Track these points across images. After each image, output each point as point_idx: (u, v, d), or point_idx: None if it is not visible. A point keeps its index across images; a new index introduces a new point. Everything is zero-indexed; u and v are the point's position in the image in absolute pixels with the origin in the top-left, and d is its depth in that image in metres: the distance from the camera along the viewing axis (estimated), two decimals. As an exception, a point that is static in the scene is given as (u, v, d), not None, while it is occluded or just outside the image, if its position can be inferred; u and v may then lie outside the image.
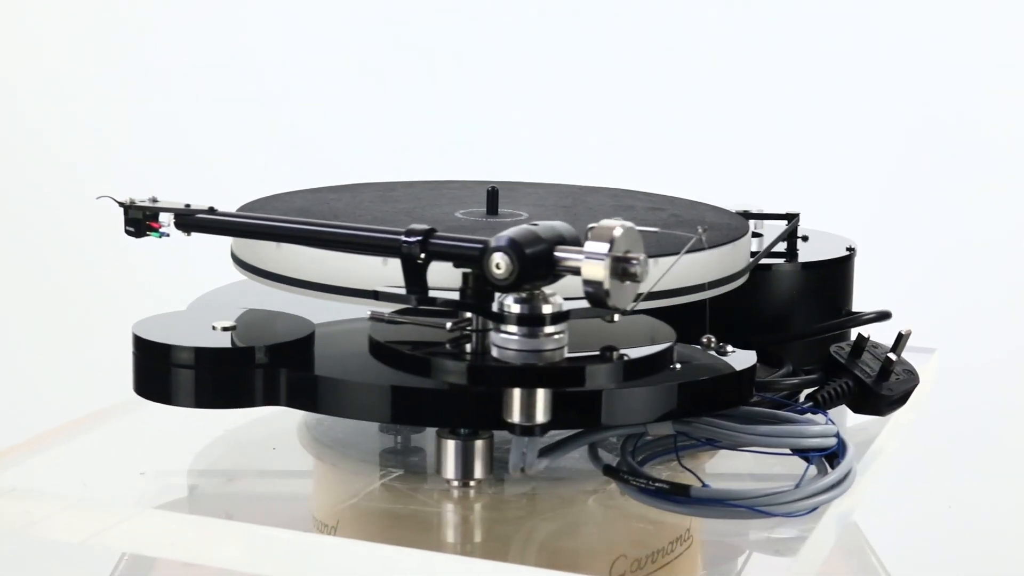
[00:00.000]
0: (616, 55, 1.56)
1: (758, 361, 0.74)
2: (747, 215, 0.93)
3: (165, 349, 0.70)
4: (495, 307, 0.68)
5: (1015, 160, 1.46)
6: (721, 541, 0.73)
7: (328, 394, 0.69)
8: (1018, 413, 1.39)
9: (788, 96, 1.52)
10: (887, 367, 0.83)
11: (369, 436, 0.82)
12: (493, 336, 0.68)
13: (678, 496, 0.68)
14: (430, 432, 0.73)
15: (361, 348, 0.72)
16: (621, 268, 0.65)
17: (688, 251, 0.75)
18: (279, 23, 1.63)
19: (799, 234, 0.94)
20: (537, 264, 0.65)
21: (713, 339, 0.74)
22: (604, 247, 0.64)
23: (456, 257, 0.68)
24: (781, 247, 0.92)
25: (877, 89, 1.49)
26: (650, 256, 0.66)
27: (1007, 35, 1.47)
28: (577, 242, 0.66)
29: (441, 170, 1.11)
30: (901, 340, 0.83)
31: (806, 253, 0.91)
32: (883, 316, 0.89)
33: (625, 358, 0.69)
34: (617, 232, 0.64)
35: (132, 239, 0.78)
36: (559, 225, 0.67)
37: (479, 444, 0.70)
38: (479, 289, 0.68)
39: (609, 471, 0.71)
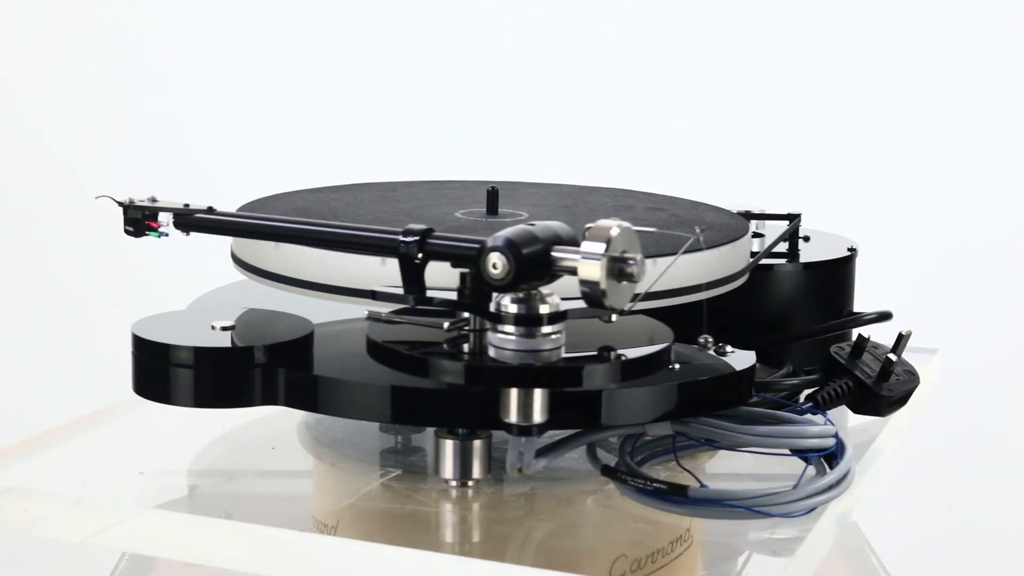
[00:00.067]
0: (616, 55, 1.56)
1: (759, 362, 0.74)
2: (749, 215, 0.93)
3: (164, 349, 0.70)
4: (492, 307, 0.68)
5: (1015, 160, 1.46)
6: (720, 541, 0.73)
7: (325, 394, 0.69)
8: (1018, 413, 1.39)
9: (788, 96, 1.52)
10: (887, 368, 0.82)
11: (369, 436, 0.82)
12: (490, 336, 0.68)
13: (676, 496, 0.68)
14: (430, 432, 0.73)
15: (360, 348, 0.72)
16: (618, 268, 0.65)
17: (686, 251, 0.74)
18: (279, 23, 1.63)
19: (801, 234, 0.94)
20: (534, 264, 0.65)
21: (710, 339, 0.74)
22: (600, 247, 0.64)
23: (453, 257, 0.68)
24: (783, 247, 0.92)
25: (877, 89, 1.49)
26: (648, 256, 0.66)
27: (1007, 35, 1.47)
28: (574, 242, 0.66)
29: (441, 170, 1.11)
30: (901, 341, 0.83)
31: (807, 253, 0.91)
32: (884, 316, 0.89)
33: (623, 358, 0.69)
34: (614, 232, 0.64)
35: (132, 239, 0.78)
36: (556, 225, 0.67)
37: (477, 444, 0.70)
38: (477, 289, 0.68)
39: (607, 471, 0.71)
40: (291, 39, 1.63)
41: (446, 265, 0.68)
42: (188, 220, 0.76)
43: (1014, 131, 1.46)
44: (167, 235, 0.77)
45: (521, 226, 0.66)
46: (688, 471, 0.72)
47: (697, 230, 0.72)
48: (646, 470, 0.72)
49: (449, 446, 0.70)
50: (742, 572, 0.72)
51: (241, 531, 0.69)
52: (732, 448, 0.71)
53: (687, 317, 0.78)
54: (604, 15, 1.55)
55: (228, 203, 0.80)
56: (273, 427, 0.84)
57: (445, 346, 0.70)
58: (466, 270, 0.68)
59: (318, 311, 0.76)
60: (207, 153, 1.62)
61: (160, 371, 0.70)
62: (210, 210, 0.76)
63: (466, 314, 0.70)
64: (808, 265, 0.89)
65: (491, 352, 0.68)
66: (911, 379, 0.84)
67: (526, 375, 0.66)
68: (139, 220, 0.77)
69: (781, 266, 0.89)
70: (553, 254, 0.66)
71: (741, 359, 0.73)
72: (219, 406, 0.71)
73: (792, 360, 0.85)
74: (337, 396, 0.69)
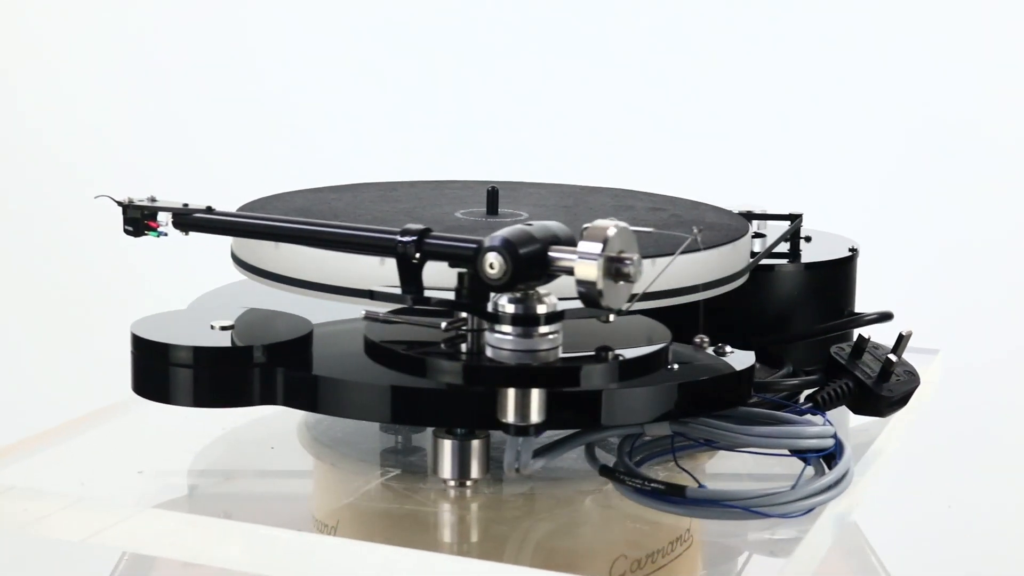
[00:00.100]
0: (616, 55, 1.56)
1: (761, 362, 0.74)
2: (750, 216, 0.93)
3: (163, 348, 0.70)
4: (490, 307, 0.68)
5: (1015, 160, 1.46)
6: (719, 542, 0.73)
7: (323, 393, 0.69)
8: (1018, 413, 1.39)
9: (788, 96, 1.52)
10: (887, 368, 0.82)
11: (369, 436, 0.82)
12: (488, 336, 0.68)
13: (674, 497, 0.68)
14: (430, 431, 0.73)
15: (358, 348, 0.72)
16: (614, 268, 0.65)
17: (684, 252, 0.74)
18: (279, 23, 1.63)
19: (802, 235, 0.94)
20: (531, 264, 0.65)
21: (706, 339, 0.74)
22: (597, 247, 0.64)
23: (450, 257, 0.68)
24: (784, 247, 0.92)
25: (877, 89, 1.49)
26: (646, 256, 0.66)
27: (1007, 35, 1.47)
28: (572, 242, 0.66)
29: (441, 170, 1.11)
30: (902, 341, 0.83)
31: (809, 254, 0.91)
32: (885, 317, 0.89)
33: (620, 358, 0.69)
34: (610, 232, 0.64)
35: (132, 239, 0.78)
36: (554, 225, 0.67)
37: (475, 444, 0.70)
38: (474, 289, 0.68)
39: (605, 471, 0.71)
40: (291, 39, 1.63)
41: (445, 265, 0.68)
42: (187, 220, 0.76)
43: (1014, 131, 1.46)
44: (166, 235, 0.77)
45: (518, 226, 0.66)
46: (686, 471, 0.72)
47: (695, 230, 0.72)
48: (645, 470, 0.72)
49: (447, 446, 0.70)
50: (741, 572, 0.72)
51: (241, 531, 0.69)
52: (730, 448, 0.71)
53: (688, 317, 0.78)
54: (604, 15, 1.55)
55: (228, 203, 0.80)
56: (273, 427, 0.84)
57: (443, 346, 0.70)
58: (464, 270, 0.68)
59: (319, 311, 0.76)
60: (207, 153, 1.62)
61: (159, 371, 0.70)
62: (208, 210, 0.76)
63: (464, 314, 0.70)
64: (809, 265, 0.89)
65: (488, 352, 0.68)
66: (911, 379, 0.84)
67: (523, 375, 0.66)
68: (138, 220, 0.77)
69: (782, 266, 0.89)
70: (550, 254, 0.66)
71: (740, 359, 0.73)
72: (218, 406, 0.71)
73: (793, 360, 0.85)
74: (334, 396, 0.69)
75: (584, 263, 0.64)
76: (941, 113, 1.47)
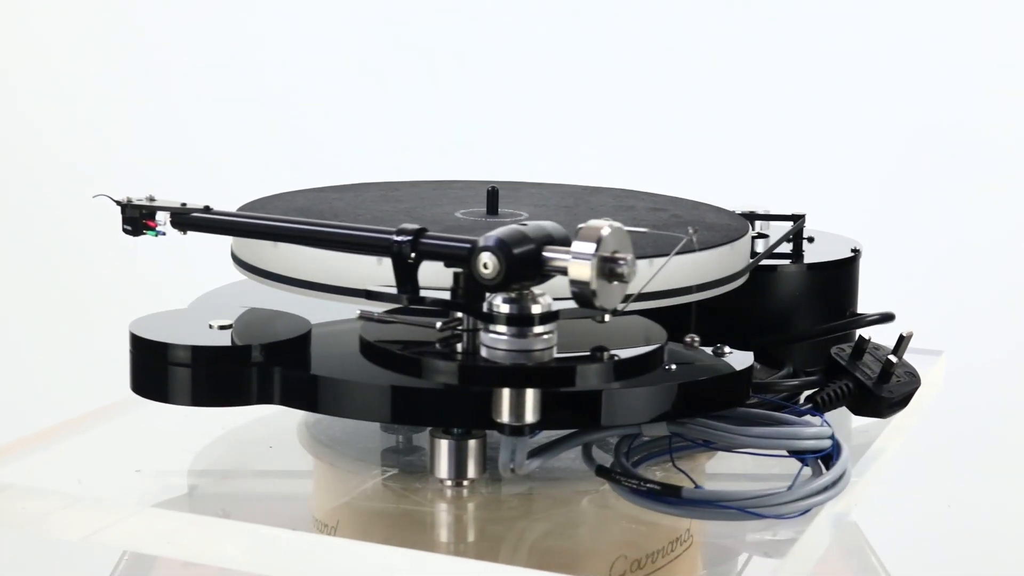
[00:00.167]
0: (616, 55, 1.56)
1: (762, 363, 0.73)
2: (753, 216, 0.93)
3: (161, 347, 0.70)
4: (485, 307, 0.68)
5: (1016, 160, 1.46)
6: (717, 543, 0.73)
7: (318, 393, 0.69)
8: (1019, 413, 1.39)
9: (788, 96, 1.52)
10: (888, 369, 0.82)
11: (369, 435, 0.82)
12: (483, 336, 0.68)
13: (669, 497, 0.68)
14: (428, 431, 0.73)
15: (355, 347, 0.72)
16: (608, 268, 0.65)
17: (679, 252, 0.74)
18: (279, 23, 1.63)
19: (805, 235, 0.94)
20: (525, 264, 0.65)
21: (696, 338, 0.74)
22: (591, 247, 0.64)
23: (445, 257, 0.68)
24: (787, 248, 0.92)
25: (877, 89, 1.49)
26: (644, 257, 0.65)
27: (1007, 36, 1.47)
28: (567, 242, 0.66)
29: (442, 170, 1.11)
30: (902, 342, 0.83)
31: (811, 254, 0.91)
32: (887, 318, 0.89)
33: (616, 358, 0.69)
34: (604, 232, 0.64)
35: (131, 238, 0.78)
36: (548, 225, 0.67)
37: (472, 444, 0.70)
38: (470, 289, 0.68)
39: (602, 471, 0.71)
40: (291, 39, 1.63)
41: (441, 265, 0.68)
42: (184, 219, 0.76)
43: (1014, 131, 1.46)
44: (164, 234, 0.77)
45: (513, 226, 0.66)
46: (683, 472, 0.72)
47: (690, 231, 0.72)
48: (643, 471, 0.72)
49: (444, 446, 0.70)
50: (737, 573, 0.72)
51: (241, 531, 0.69)
52: (728, 449, 0.71)
53: (688, 317, 0.78)
54: (604, 15, 1.55)
55: (228, 203, 0.80)
56: (273, 426, 0.84)
57: (438, 346, 0.70)
58: (459, 270, 0.68)
59: (319, 311, 0.76)
60: (207, 152, 1.62)
61: (158, 370, 0.70)
62: (206, 209, 0.76)
63: (459, 314, 0.70)
64: (811, 266, 0.89)
65: (483, 352, 0.68)
66: (912, 380, 0.84)
67: (518, 375, 0.66)
68: (136, 219, 0.77)
69: (785, 267, 0.89)
70: (544, 254, 0.66)
71: (739, 360, 0.73)
72: (216, 405, 0.71)
73: (795, 361, 0.85)
74: (329, 395, 0.69)
75: (577, 263, 0.64)
76: (941, 113, 1.47)
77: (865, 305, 0.93)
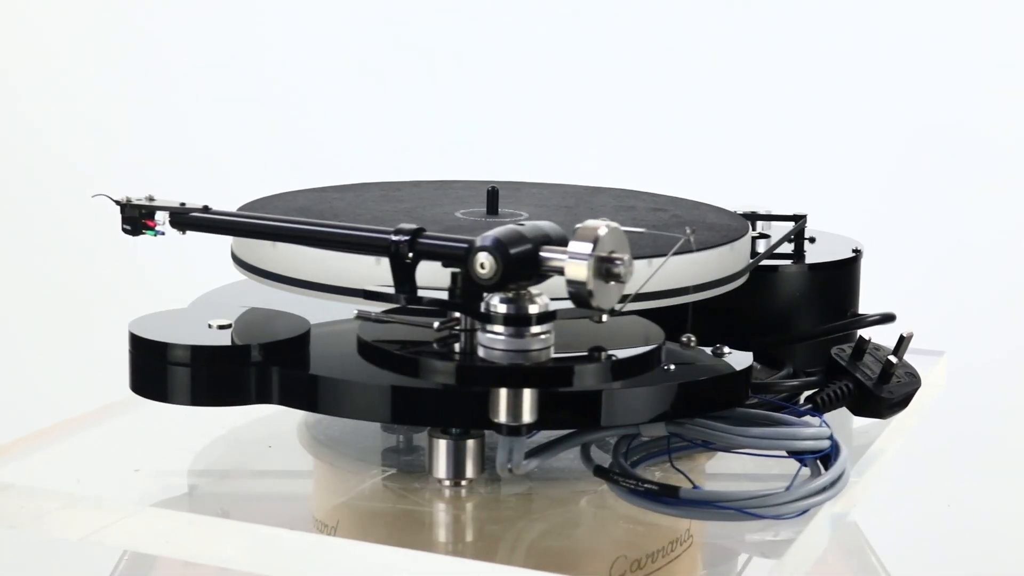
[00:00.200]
0: (616, 55, 1.56)
1: (763, 363, 0.73)
2: (755, 216, 0.93)
3: (161, 347, 0.70)
4: (482, 307, 0.68)
5: (1016, 160, 1.46)
6: (716, 543, 0.73)
7: (316, 392, 0.69)
8: (1019, 413, 1.39)
9: (788, 96, 1.52)
10: (888, 370, 0.82)
11: (369, 435, 0.82)
12: (480, 336, 0.68)
13: (667, 498, 0.68)
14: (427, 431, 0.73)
15: (353, 347, 0.72)
16: (605, 268, 0.65)
17: (676, 253, 0.74)
18: (279, 23, 1.63)
19: (806, 235, 0.94)
20: (522, 264, 0.65)
21: (693, 338, 0.74)
22: (587, 247, 0.64)
23: (442, 256, 0.68)
24: (788, 248, 0.92)
25: (877, 89, 1.49)
26: (642, 257, 0.65)
27: (1007, 36, 1.47)
28: (564, 242, 0.66)
29: (442, 170, 1.11)
30: (903, 342, 0.83)
31: (812, 254, 0.91)
32: (887, 318, 0.89)
33: (613, 358, 0.69)
34: (601, 232, 0.64)
35: (131, 238, 0.78)
36: (546, 225, 0.67)
37: (470, 444, 0.70)
38: (467, 289, 0.68)
39: (599, 472, 0.71)
40: (291, 39, 1.63)
41: (439, 265, 0.68)
42: (183, 219, 0.76)
43: (1014, 131, 1.46)
44: (163, 234, 0.77)
45: (510, 226, 0.66)
46: (682, 472, 0.72)
47: (688, 231, 0.72)
48: (642, 471, 0.71)
49: (442, 446, 0.70)
50: (736, 573, 0.72)
51: (241, 531, 0.69)
52: (726, 450, 0.71)
53: (688, 318, 0.78)
54: (604, 15, 1.55)
55: (228, 203, 0.80)
56: (273, 426, 0.84)
57: (435, 346, 0.70)
58: (457, 270, 0.68)
59: (319, 311, 0.76)
60: (207, 152, 1.62)
61: (157, 369, 0.70)
62: (205, 209, 0.76)
63: (456, 314, 0.70)
64: (813, 266, 0.89)
65: (480, 352, 0.68)
66: (912, 381, 0.84)
67: (515, 375, 0.66)
68: (136, 219, 0.77)
69: (786, 267, 0.89)
70: (541, 254, 0.66)
71: (738, 360, 0.73)
72: (216, 404, 0.71)
73: (796, 361, 0.85)
74: (327, 395, 0.69)
75: (574, 263, 0.64)
76: (941, 113, 1.47)
77: (866, 305, 0.93)
